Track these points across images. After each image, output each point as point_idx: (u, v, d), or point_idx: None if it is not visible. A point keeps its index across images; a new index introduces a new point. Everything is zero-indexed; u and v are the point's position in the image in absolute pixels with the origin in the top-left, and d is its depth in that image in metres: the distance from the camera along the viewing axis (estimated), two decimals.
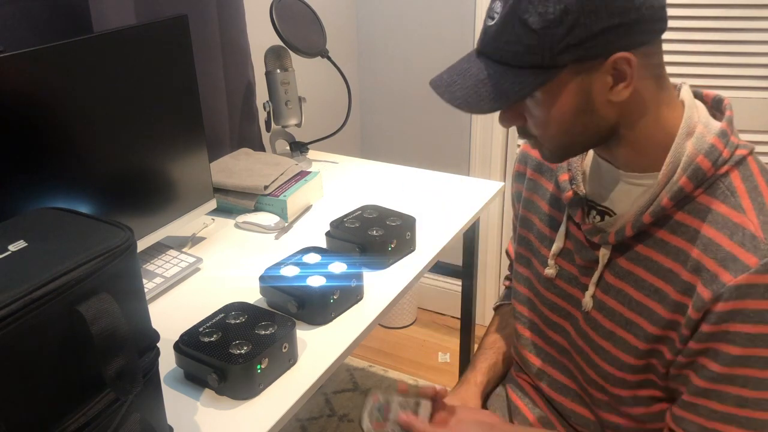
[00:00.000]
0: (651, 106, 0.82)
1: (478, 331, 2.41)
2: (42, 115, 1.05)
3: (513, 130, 2.18)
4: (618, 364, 0.91)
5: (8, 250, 0.70)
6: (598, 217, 0.93)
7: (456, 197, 1.58)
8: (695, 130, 0.83)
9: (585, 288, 0.94)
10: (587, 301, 0.93)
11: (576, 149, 0.88)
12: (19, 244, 0.71)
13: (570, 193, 0.95)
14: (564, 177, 0.96)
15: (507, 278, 1.25)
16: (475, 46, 0.84)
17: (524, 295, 1.08)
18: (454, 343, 2.38)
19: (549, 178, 1.03)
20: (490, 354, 1.18)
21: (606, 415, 0.97)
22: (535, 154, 1.06)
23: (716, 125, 0.84)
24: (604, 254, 0.90)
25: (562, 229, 0.97)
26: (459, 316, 1.81)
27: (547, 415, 1.06)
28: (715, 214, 0.81)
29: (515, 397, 1.11)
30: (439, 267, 1.47)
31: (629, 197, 0.88)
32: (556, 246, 0.98)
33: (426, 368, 2.28)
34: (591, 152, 0.96)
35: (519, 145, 2.18)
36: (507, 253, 1.23)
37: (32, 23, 1.26)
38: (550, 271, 1.00)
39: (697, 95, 0.89)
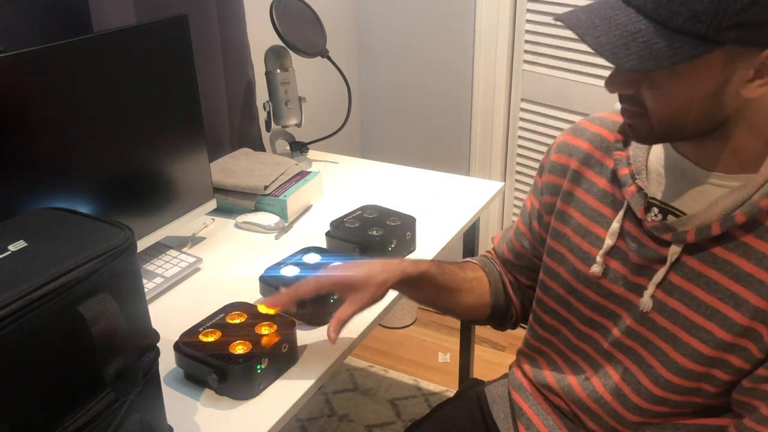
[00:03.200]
0: (765, 108, 0.79)
1: (478, 332, 2.42)
2: (42, 115, 1.05)
3: (514, 130, 2.18)
4: (674, 368, 0.88)
5: (8, 250, 0.70)
6: (660, 216, 0.88)
7: (456, 197, 1.58)
8: None
9: (635, 287, 0.90)
10: (646, 301, 0.89)
11: (680, 134, 0.82)
12: (19, 244, 0.71)
13: (633, 188, 0.90)
14: (624, 171, 0.91)
15: (488, 251, 1.22)
16: None
17: (554, 290, 1.03)
18: (454, 343, 2.38)
19: (598, 171, 0.97)
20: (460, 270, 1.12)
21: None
22: (583, 145, 0.99)
23: None
24: (673, 253, 0.85)
25: (615, 225, 0.92)
26: None
27: (551, 417, 1.06)
28: None
29: (519, 399, 1.10)
30: None
31: (705, 197, 0.84)
32: (608, 243, 0.93)
33: (426, 368, 2.28)
34: (656, 148, 0.91)
35: (519, 146, 2.18)
36: (492, 239, 1.20)
37: (32, 23, 1.26)
38: (597, 269, 0.95)
39: None
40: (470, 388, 1.25)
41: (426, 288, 1.05)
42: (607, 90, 0.81)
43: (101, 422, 0.73)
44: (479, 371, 2.18)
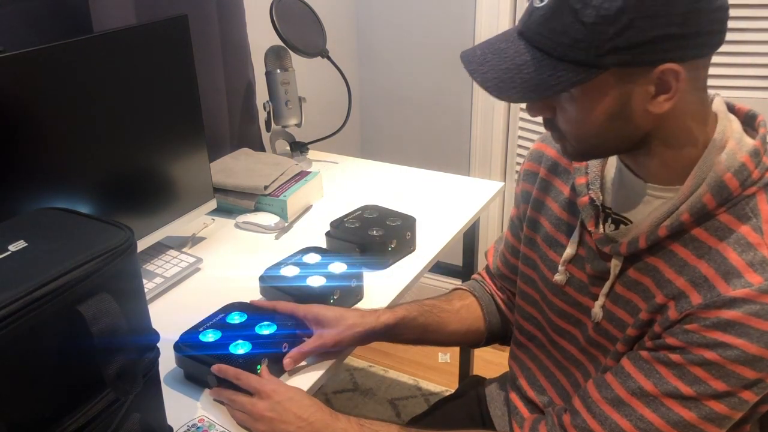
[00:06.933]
0: (688, 120, 0.78)
1: None
2: (42, 115, 1.05)
3: (514, 130, 2.18)
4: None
5: (8, 250, 0.70)
6: (612, 226, 0.89)
7: (456, 197, 1.58)
8: (726, 145, 0.78)
9: (595, 297, 0.91)
10: (597, 312, 0.90)
11: (603, 152, 0.84)
12: (19, 244, 0.71)
13: (586, 198, 0.90)
14: (581, 180, 0.92)
15: (478, 274, 1.22)
16: (517, 25, 0.78)
17: (531, 296, 1.04)
18: None
19: (565, 180, 0.98)
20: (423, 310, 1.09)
21: None
22: (551, 152, 1.01)
23: (749, 143, 0.79)
24: (615, 265, 0.86)
25: (576, 235, 0.93)
26: None
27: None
28: (733, 234, 0.77)
29: (515, 398, 1.10)
30: (439, 267, 1.47)
31: (647, 207, 0.84)
32: (568, 252, 0.94)
33: (426, 368, 2.28)
34: (613, 158, 0.91)
35: (519, 146, 2.18)
36: (486, 255, 1.20)
37: (32, 23, 1.26)
38: (560, 277, 0.95)
39: (730, 108, 0.84)
40: (470, 385, 1.26)
41: (408, 332, 1.07)
42: (529, 115, 0.83)
43: (101, 422, 0.73)
44: (479, 371, 2.18)
